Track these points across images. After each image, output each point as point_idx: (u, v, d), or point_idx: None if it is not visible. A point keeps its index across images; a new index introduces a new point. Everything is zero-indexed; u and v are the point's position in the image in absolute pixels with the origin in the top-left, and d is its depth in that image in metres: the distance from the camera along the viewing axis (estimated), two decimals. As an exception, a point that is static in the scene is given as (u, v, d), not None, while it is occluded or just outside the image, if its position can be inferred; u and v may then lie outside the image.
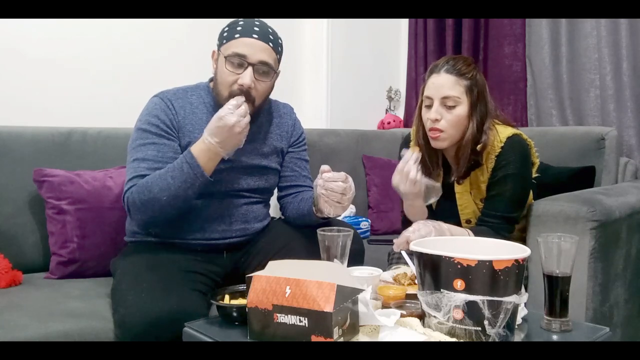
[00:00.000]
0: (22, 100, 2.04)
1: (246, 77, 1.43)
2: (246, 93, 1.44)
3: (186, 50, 2.42)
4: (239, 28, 1.45)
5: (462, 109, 1.52)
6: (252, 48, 1.43)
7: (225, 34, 1.48)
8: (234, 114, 1.34)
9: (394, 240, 1.43)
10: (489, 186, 1.58)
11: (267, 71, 1.47)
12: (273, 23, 1.56)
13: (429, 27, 2.97)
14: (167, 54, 2.39)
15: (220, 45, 1.49)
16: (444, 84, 1.51)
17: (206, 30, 2.38)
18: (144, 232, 1.56)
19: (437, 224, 1.44)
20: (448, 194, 1.66)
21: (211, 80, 1.59)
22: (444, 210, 1.67)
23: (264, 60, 1.45)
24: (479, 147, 1.54)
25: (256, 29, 1.45)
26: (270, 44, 1.47)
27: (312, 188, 1.68)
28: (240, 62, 1.43)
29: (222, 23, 1.53)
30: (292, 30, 2.80)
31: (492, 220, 1.54)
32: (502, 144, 1.55)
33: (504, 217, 1.55)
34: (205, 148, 1.37)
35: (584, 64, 2.42)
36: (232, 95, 1.43)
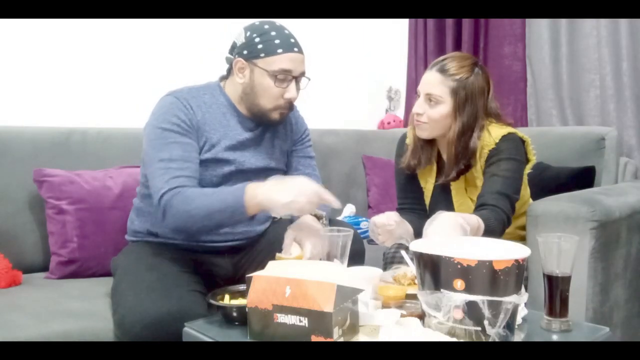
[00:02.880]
0: (22, 100, 2.05)
1: (293, 91, 1.49)
2: (290, 104, 1.52)
3: (187, 50, 2.42)
4: (277, 41, 1.45)
5: (444, 108, 1.56)
6: (295, 62, 1.48)
7: (260, 47, 1.46)
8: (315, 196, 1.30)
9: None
10: (483, 175, 1.59)
11: (301, 80, 1.53)
12: (273, 23, 1.56)
13: (429, 27, 2.97)
14: (167, 54, 2.38)
15: (253, 56, 1.46)
16: (429, 81, 1.57)
17: (207, 31, 2.39)
18: (145, 231, 1.56)
19: (455, 221, 1.38)
20: (444, 190, 1.66)
21: (221, 80, 1.59)
22: (440, 207, 1.67)
23: (303, 71, 1.51)
24: (468, 151, 1.56)
25: (292, 40, 1.48)
26: (303, 53, 1.51)
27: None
28: (285, 77, 1.47)
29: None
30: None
31: (491, 197, 1.51)
32: (497, 141, 1.56)
33: (501, 194, 1.52)
34: (261, 201, 1.31)
35: (584, 64, 2.42)
36: (278, 108, 1.51)
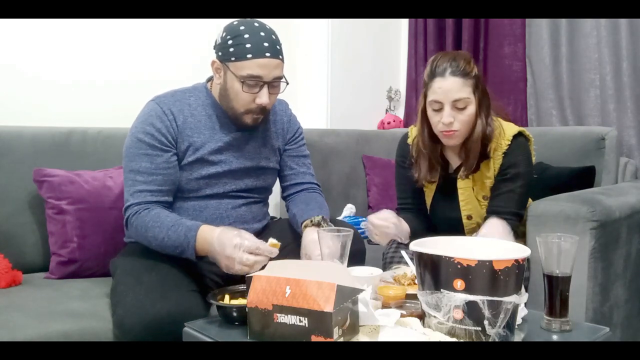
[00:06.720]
0: (22, 100, 2.04)
1: (264, 97, 1.45)
2: (263, 109, 1.48)
3: (185, 50, 2.42)
4: (248, 45, 1.40)
5: (472, 108, 1.54)
6: (266, 68, 1.42)
7: (232, 50, 1.42)
8: (238, 265, 1.28)
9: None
10: (497, 182, 1.59)
11: (279, 84, 1.49)
12: (273, 23, 1.55)
13: (429, 27, 2.97)
14: (166, 55, 2.38)
15: (225, 59, 1.44)
16: (452, 87, 1.51)
17: (205, 31, 2.38)
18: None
19: (505, 227, 1.48)
20: (448, 190, 1.66)
21: (208, 80, 1.59)
22: (444, 206, 1.68)
23: (277, 76, 1.46)
24: (488, 140, 1.57)
25: (266, 44, 1.41)
26: (280, 56, 1.45)
27: (311, 183, 1.68)
28: (255, 82, 1.43)
29: (222, 23, 1.51)
30: (293, 30, 2.80)
31: (508, 217, 1.55)
32: (509, 143, 1.56)
33: (517, 214, 1.57)
34: (209, 242, 1.34)
35: (584, 64, 2.42)
36: (249, 112, 1.47)
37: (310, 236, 1.45)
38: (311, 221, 1.50)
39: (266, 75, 1.42)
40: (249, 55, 1.40)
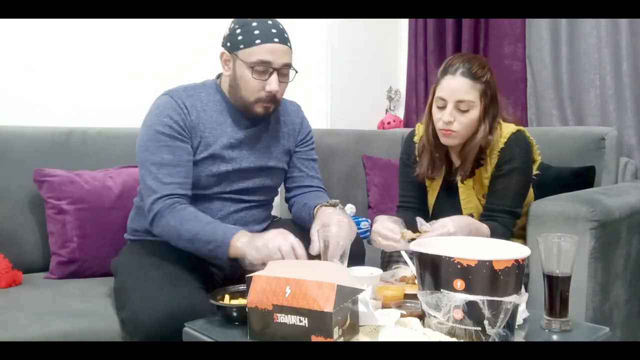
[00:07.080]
0: (22, 100, 2.04)
1: (274, 83, 1.44)
2: (273, 97, 1.47)
3: (186, 50, 2.42)
4: (256, 32, 1.42)
5: (475, 113, 1.53)
6: (275, 54, 1.42)
7: (240, 38, 1.43)
8: (284, 243, 1.28)
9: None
10: (493, 179, 1.59)
11: (289, 72, 1.49)
12: (273, 23, 1.55)
13: (429, 27, 2.97)
14: (167, 54, 2.38)
15: (234, 49, 1.45)
16: (459, 87, 1.51)
17: (206, 31, 2.38)
18: (144, 230, 1.56)
19: (468, 221, 1.46)
20: (450, 189, 1.66)
21: (218, 77, 1.59)
22: (445, 205, 1.67)
23: (286, 63, 1.46)
24: (485, 146, 1.56)
25: (274, 31, 1.43)
26: (288, 44, 1.46)
27: (319, 188, 1.68)
28: (265, 69, 1.43)
29: (222, 23, 1.51)
30: (292, 30, 2.78)
31: (501, 215, 1.55)
32: (505, 140, 1.56)
33: (511, 212, 1.56)
34: (241, 245, 1.32)
35: (584, 64, 2.42)
36: (260, 101, 1.46)
37: (328, 210, 1.42)
38: (328, 202, 1.49)
39: (275, 61, 1.43)
40: (258, 41, 1.41)
